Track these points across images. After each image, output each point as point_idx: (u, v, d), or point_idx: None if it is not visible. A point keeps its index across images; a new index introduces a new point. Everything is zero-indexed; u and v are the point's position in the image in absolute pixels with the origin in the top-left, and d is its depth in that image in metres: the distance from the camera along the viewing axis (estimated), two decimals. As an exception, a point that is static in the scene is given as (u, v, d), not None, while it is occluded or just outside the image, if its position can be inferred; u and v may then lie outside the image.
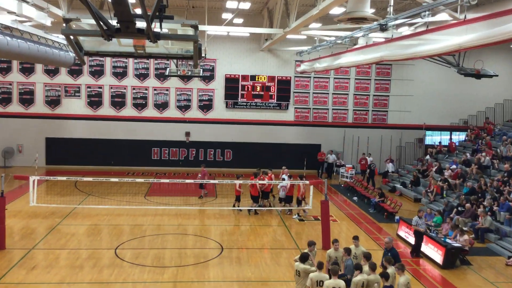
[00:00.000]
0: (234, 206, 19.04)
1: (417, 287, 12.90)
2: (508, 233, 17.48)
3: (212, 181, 20.09)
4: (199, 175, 20.94)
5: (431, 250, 15.54)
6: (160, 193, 22.38)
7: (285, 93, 29.23)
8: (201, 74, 23.36)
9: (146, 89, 28.78)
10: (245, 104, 28.94)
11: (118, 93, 28.28)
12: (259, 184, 18.93)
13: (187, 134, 29.15)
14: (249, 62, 28.58)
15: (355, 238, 12.30)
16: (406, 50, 13.06)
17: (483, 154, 23.81)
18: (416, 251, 15.85)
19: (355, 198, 22.83)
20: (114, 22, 5.70)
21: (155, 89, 28.81)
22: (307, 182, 17.76)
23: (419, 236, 15.71)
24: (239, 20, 24.76)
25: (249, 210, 19.02)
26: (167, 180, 21.52)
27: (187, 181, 19.76)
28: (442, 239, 15.52)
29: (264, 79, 28.54)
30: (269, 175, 19.68)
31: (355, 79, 30.19)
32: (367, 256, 11.01)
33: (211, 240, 15.80)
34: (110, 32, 5.76)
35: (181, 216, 18.51)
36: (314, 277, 9.82)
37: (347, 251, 11.50)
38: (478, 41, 9.73)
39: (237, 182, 18.80)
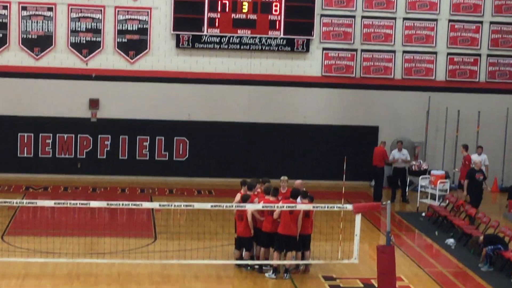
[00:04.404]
0: (238, 258, 16.92)
1: None
2: None
3: (146, 205, 18.29)
4: None
5: None
6: (36, 230, 19.20)
7: (303, 17, 25.68)
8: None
9: (4, 8, 24.91)
10: (217, 41, 25.55)
11: None
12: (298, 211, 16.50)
13: (93, 103, 25.39)
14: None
15: None
16: None
17: None
18: None
19: (450, 240, 19.67)
20: None
21: (24, 9, 24.98)
22: (347, 207, 16.77)
23: None
24: None
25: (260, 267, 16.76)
26: (49, 202, 18.07)
27: (94, 203, 17.60)
28: None
29: (259, -12, 26.26)
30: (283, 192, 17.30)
31: (452, -13, 27.03)
32: None
33: None
34: None
35: (78, 280, 15.69)
36: None
37: None
38: None
39: (250, 207, 16.34)
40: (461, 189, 23.89)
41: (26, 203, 19.71)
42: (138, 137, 25.31)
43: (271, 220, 15.89)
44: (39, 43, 24.58)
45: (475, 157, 23.38)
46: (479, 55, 26.43)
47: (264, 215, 16.12)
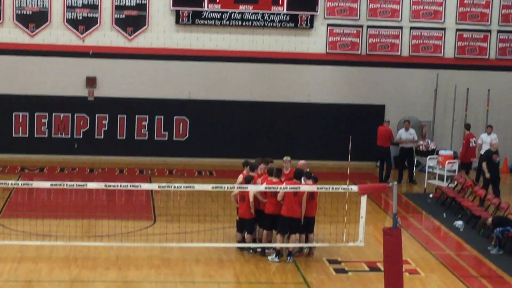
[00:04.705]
0: (240, 241, 16.88)
1: None
2: None
3: (145, 186, 17.77)
4: None
5: None
6: (32, 212, 19.00)
7: (308, -8, 26.18)
8: None
9: (-3, -16, 25.16)
10: (218, 17, 25.39)
11: None
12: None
13: (91, 82, 25.21)
14: None
15: None
16: None
17: None
18: None
19: (459, 223, 19.53)
20: None
21: (19, -16, 25.39)
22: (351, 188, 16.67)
23: None
24: None
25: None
26: (45, 184, 17.73)
27: (91, 185, 17.01)
28: None
29: (262, -39, 26.01)
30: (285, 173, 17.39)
31: (463, -44, 26.73)
32: None
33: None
34: None
35: (75, 263, 15.52)
36: None
37: None
38: None
39: (252, 189, 16.15)
40: (464, 171, 23.51)
41: (21, 184, 19.38)
42: (136, 116, 25.09)
43: (274, 202, 15.72)
44: (34, 19, 24.15)
45: (484, 137, 23.15)
46: (489, 31, 25.98)
47: (266, 196, 15.87)
